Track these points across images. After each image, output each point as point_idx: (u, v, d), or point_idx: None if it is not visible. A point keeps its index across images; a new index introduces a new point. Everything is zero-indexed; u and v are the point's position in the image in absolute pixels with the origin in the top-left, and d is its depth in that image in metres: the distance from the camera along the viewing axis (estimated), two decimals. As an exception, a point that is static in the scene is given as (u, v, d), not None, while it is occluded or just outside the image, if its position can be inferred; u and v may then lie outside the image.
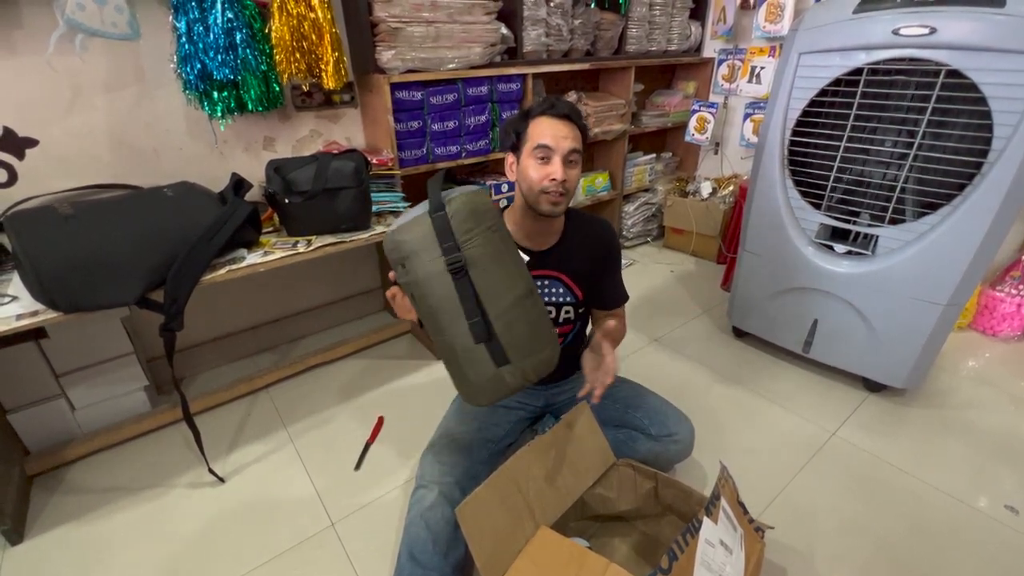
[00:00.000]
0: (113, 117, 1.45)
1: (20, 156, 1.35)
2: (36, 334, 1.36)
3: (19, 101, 1.31)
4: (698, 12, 2.64)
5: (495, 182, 2.08)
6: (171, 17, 1.36)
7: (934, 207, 1.36)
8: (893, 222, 1.43)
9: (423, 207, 0.90)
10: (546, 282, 1.18)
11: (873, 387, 1.68)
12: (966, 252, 1.33)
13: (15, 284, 1.22)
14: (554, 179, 1.03)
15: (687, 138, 2.72)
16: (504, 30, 1.89)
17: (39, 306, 1.14)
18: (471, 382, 0.92)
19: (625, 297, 1.27)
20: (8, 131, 1.32)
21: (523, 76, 2.00)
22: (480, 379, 0.91)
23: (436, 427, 1.26)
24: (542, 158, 1.05)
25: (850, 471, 1.39)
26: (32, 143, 1.36)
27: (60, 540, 1.24)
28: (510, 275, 0.90)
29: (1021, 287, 1.94)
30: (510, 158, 1.13)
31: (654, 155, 2.89)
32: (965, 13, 1.20)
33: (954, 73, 1.23)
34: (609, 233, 1.23)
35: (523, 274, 0.93)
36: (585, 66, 2.23)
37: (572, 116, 1.06)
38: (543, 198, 1.06)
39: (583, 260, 1.19)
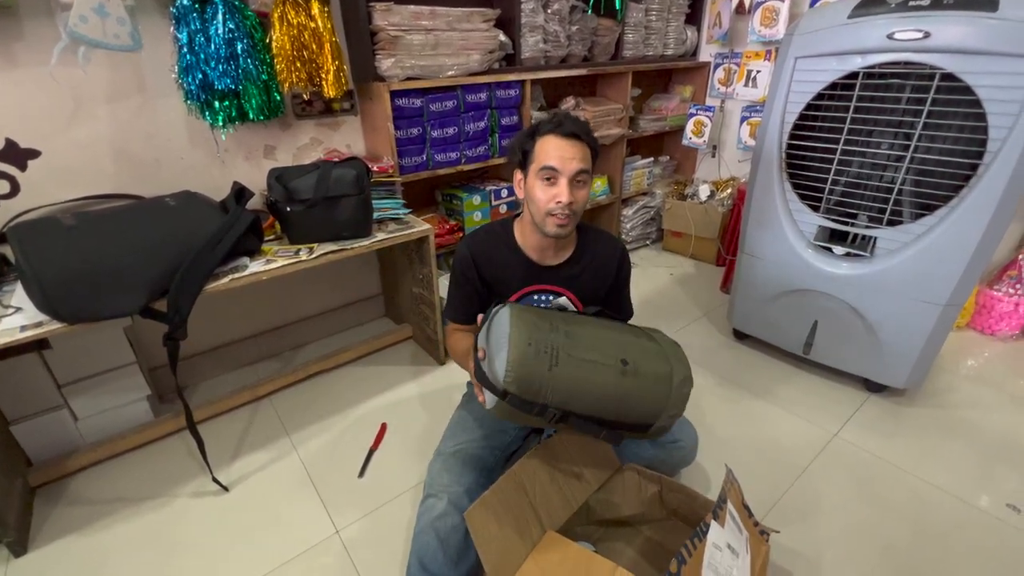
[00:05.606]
0: (115, 128, 1.45)
1: (22, 167, 1.35)
2: (38, 345, 1.36)
3: (21, 113, 1.32)
4: (694, 17, 2.66)
5: (495, 187, 2.09)
6: (172, 28, 1.37)
7: (931, 208, 1.37)
8: (891, 224, 1.44)
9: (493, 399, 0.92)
10: (549, 297, 1.18)
11: (874, 388, 1.69)
12: (964, 252, 1.34)
13: (18, 295, 1.22)
14: (560, 201, 1.02)
15: (684, 142, 2.74)
16: (502, 37, 1.90)
17: (42, 317, 1.14)
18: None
19: (630, 314, 1.27)
20: (10, 143, 1.32)
21: (521, 82, 2.01)
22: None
23: (440, 434, 1.26)
24: (548, 179, 1.03)
25: (853, 472, 1.40)
26: (34, 154, 1.36)
27: (64, 551, 1.24)
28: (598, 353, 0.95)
29: (1018, 286, 1.95)
30: (518, 175, 1.12)
31: (652, 159, 2.90)
32: (958, 17, 1.21)
33: (949, 76, 1.25)
34: (620, 254, 1.23)
35: (602, 338, 0.98)
36: (583, 72, 2.24)
37: (580, 134, 1.03)
38: (549, 220, 1.05)
39: (590, 281, 1.19)
